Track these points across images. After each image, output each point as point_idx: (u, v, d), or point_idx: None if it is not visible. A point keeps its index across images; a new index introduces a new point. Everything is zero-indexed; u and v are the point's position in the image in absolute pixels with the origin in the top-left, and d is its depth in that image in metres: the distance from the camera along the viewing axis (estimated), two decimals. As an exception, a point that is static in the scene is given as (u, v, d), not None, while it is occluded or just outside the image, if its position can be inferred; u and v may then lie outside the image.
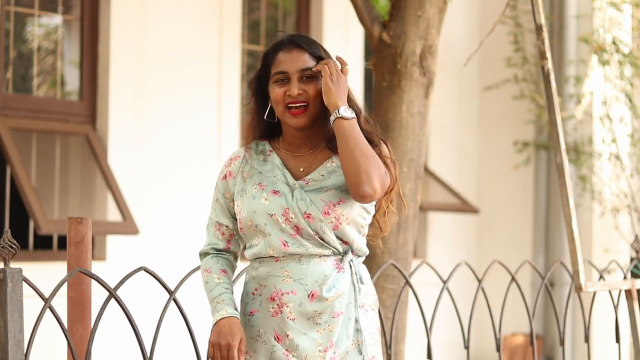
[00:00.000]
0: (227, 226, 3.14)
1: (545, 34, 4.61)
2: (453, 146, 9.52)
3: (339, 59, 3.14)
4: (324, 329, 3.01)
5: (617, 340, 5.00)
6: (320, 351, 3.00)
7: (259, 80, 3.16)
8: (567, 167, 4.62)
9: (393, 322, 3.94)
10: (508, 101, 9.46)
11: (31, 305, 3.20)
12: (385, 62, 4.58)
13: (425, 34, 4.56)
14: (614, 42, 8.71)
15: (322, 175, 3.08)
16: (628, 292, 4.90)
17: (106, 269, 6.40)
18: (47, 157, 6.74)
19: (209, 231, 3.17)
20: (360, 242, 3.10)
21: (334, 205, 3.02)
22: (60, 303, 3.17)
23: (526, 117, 9.36)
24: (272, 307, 3.02)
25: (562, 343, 4.69)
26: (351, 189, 2.99)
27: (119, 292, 3.07)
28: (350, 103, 3.13)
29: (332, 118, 3.05)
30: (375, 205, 3.15)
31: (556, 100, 4.60)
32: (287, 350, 3.00)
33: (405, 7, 4.55)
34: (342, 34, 8.20)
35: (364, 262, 4.48)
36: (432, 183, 9.07)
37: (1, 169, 6.99)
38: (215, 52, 7.17)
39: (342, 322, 3.03)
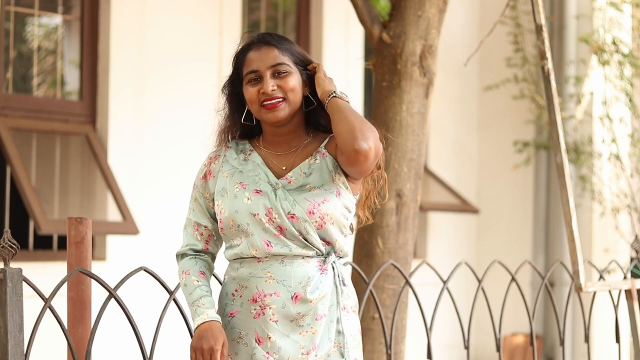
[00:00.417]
0: (205, 226, 3.09)
1: (545, 34, 4.61)
2: (453, 146, 9.52)
3: (312, 67, 3.11)
4: (307, 332, 2.97)
5: (617, 340, 5.00)
6: (302, 354, 2.96)
7: (233, 85, 3.11)
8: (567, 167, 4.62)
9: (393, 322, 3.94)
10: (508, 101, 9.46)
11: (31, 305, 3.20)
12: (385, 62, 4.58)
13: (425, 34, 4.56)
14: (614, 42, 8.71)
15: (304, 173, 3.02)
16: (628, 292, 4.90)
17: (106, 269, 6.40)
18: (47, 157, 6.74)
19: (186, 232, 3.12)
20: (342, 243, 3.04)
21: (319, 205, 2.97)
22: (60, 303, 3.17)
23: (526, 117, 9.36)
24: (254, 309, 2.96)
25: (562, 343, 4.69)
26: (345, 148, 2.91)
27: (119, 292, 3.07)
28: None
29: (327, 99, 3.01)
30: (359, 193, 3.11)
31: (556, 100, 4.60)
32: (268, 352, 2.95)
33: (405, 7, 4.55)
34: (342, 34, 8.20)
35: (364, 262, 4.51)
36: (432, 183, 9.07)
37: (1, 169, 6.99)
38: (215, 52, 7.17)
39: (324, 325, 2.99)
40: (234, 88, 3.11)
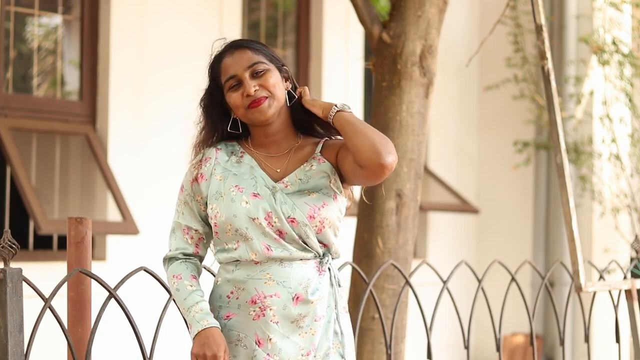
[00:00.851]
0: (196, 230, 3.04)
1: (545, 34, 4.61)
2: (453, 146, 9.52)
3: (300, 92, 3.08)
4: (306, 333, 2.96)
5: (617, 340, 5.00)
6: (302, 355, 2.95)
7: (212, 96, 3.06)
8: (567, 167, 4.63)
9: (393, 322, 3.94)
10: (508, 101, 9.46)
11: (31, 305, 3.20)
12: (385, 62, 4.58)
13: (425, 34, 4.56)
14: (614, 42, 8.71)
15: (300, 179, 3.00)
16: (628, 292, 4.90)
17: (106, 269, 6.40)
18: (47, 157, 6.74)
19: (175, 235, 3.06)
20: (337, 245, 3.04)
21: (319, 209, 2.96)
22: (60, 303, 3.17)
23: (526, 117, 9.36)
24: (253, 311, 2.93)
25: (562, 343, 4.69)
26: (368, 163, 2.88)
27: (119, 292, 3.07)
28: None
29: (331, 114, 2.99)
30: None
31: (556, 100, 4.60)
32: (268, 354, 2.93)
33: (405, 7, 4.55)
34: (342, 34, 8.20)
35: (364, 262, 4.51)
36: (432, 183, 9.07)
37: (1, 169, 6.99)
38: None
39: (323, 326, 2.99)
40: (214, 99, 3.06)
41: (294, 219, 2.95)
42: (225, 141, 3.09)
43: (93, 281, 3.11)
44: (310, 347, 2.96)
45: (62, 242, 6.64)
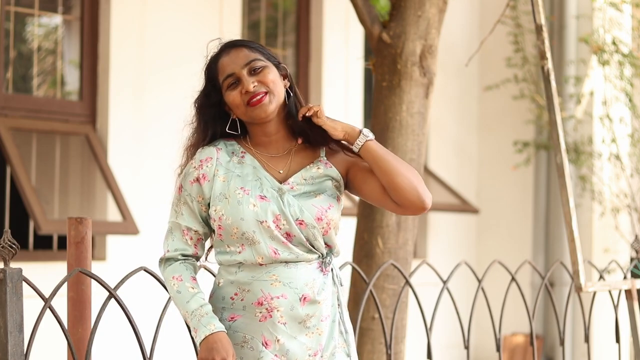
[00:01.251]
0: (196, 231, 2.99)
1: (545, 34, 4.61)
2: (453, 146, 9.52)
3: (303, 112, 3.01)
4: (313, 333, 2.95)
5: (617, 340, 5.00)
6: (310, 355, 2.94)
7: (209, 97, 3.02)
8: (567, 167, 4.62)
9: (393, 322, 3.94)
10: (508, 101, 9.46)
11: (31, 305, 3.20)
12: (385, 62, 4.57)
13: (425, 34, 4.56)
14: (613, 42, 8.71)
15: (305, 180, 2.99)
16: (628, 292, 4.90)
17: (106, 269, 6.40)
18: (47, 157, 6.74)
19: (173, 236, 3.01)
20: (338, 245, 3.04)
21: (326, 211, 2.95)
22: (60, 303, 3.17)
23: (526, 117, 9.36)
24: (260, 312, 2.91)
25: (562, 343, 4.69)
26: (407, 203, 2.96)
27: (119, 292, 3.07)
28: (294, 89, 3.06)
29: (358, 144, 2.96)
30: None
31: (556, 100, 4.60)
32: (276, 355, 2.91)
33: (405, 7, 4.55)
34: (342, 34, 8.20)
35: (364, 262, 4.51)
36: (432, 183, 9.07)
37: (1, 169, 6.99)
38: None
39: (329, 325, 2.98)
40: (209, 100, 3.03)
41: (302, 221, 2.93)
42: (224, 140, 3.05)
43: (93, 281, 3.10)
44: (317, 347, 2.96)
45: (62, 242, 6.64)
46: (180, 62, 6.98)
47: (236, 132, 3.04)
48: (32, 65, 7.02)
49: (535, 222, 9.47)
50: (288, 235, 2.93)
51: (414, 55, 4.54)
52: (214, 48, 3.07)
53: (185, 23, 7.05)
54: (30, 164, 6.56)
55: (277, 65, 3.03)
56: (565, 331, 5.66)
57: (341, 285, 3.05)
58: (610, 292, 4.96)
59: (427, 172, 8.93)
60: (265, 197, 2.93)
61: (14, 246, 2.71)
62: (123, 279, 3.08)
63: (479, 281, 4.26)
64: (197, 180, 3.00)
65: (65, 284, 3.00)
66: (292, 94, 3.05)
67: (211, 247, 3.08)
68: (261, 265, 2.93)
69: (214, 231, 3.00)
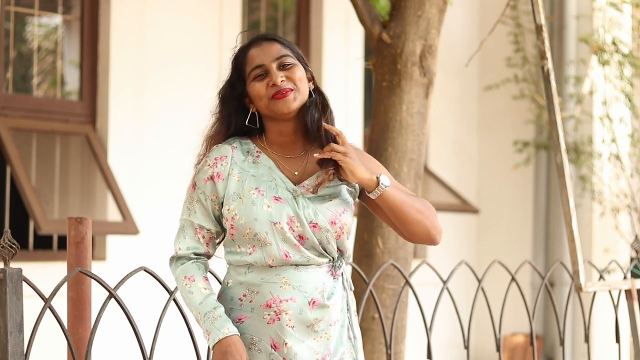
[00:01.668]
0: (208, 229, 2.97)
1: (545, 34, 4.61)
2: (453, 146, 9.52)
3: (328, 128, 2.96)
4: (321, 337, 2.92)
5: (617, 340, 5.00)
6: (317, 359, 2.92)
7: (233, 87, 3.00)
8: (567, 167, 4.63)
9: (393, 322, 3.94)
10: (508, 101, 9.46)
11: (31, 305, 3.20)
12: (385, 62, 4.58)
13: (425, 34, 4.56)
14: (613, 43, 8.72)
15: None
16: (628, 292, 4.90)
17: (106, 269, 6.40)
18: (47, 157, 6.74)
19: (185, 234, 2.98)
20: (350, 249, 3.04)
21: (340, 215, 2.93)
22: (60, 303, 3.17)
23: (526, 117, 9.36)
24: (268, 314, 2.89)
25: (562, 343, 4.69)
26: (420, 241, 3.00)
27: (119, 292, 3.07)
28: (321, 99, 3.02)
29: (375, 194, 2.93)
30: None
31: (556, 100, 4.60)
32: (284, 359, 2.89)
33: (405, 7, 4.55)
34: (342, 34, 8.20)
35: (364, 262, 4.51)
36: (432, 183, 9.07)
37: (1, 169, 6.99)
38: (215, 52, 7.17)
39: (338, 330, 2.96)
40: (234, 90, 3.01)
41: (316, 224, 2.91)
42: (239, 139, 3.02)
43: (93, 281, 3.10)
44: (326, 351, 2.93)
45: (62, 242, 6.64)
46: (180, 62, 6.98)
47: (255, 125, 3.00)
48: (32, 65, 7.02)
49: (535, 222, 9.47)
50: (301, 238, 2.90)
51: (414, 55, 4.54)
52: (241, 40, 3.06)
53: (185, 23, 7.05)
54: (30, 164, 6.56)
55: (305, 67, 3.01)
56: (565, 331, 5.66)
57: (351, 289, 3.03)
58: (610, 292, 4.96)
59: (427, 172, 8.93)
60: (279, 198, 2.91)
61: (14, 246, 2.71)
62: (123, 279, 3.07)
63: (479, 281, 4.26)
64: (212, 178, 2.96)
65: (65, 284, 3.00)
66: (314, 97, 3.01)
67: (219, 242, 3.05)
68: (271, 267, 2.90)
69: (225, 230, 2.97)
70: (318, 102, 3.01)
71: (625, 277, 5.02)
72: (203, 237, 2.98)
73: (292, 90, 2.93)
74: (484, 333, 8.19)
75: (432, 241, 3.01)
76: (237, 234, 2.92)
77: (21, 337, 2.70)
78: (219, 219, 2.98)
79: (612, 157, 8.86)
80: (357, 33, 8.19)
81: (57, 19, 7.00)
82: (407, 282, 3.98)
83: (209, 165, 2.97)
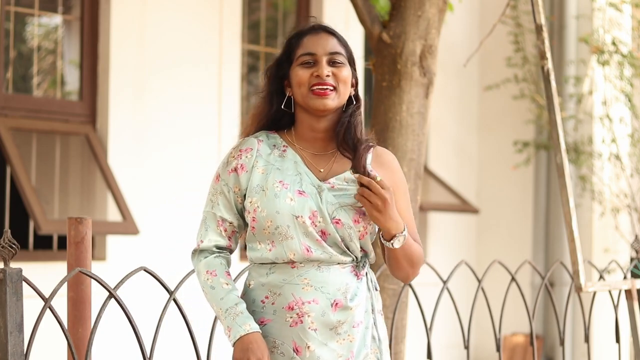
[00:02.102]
0: (231, 222, 2.91)
1: (545, 34, 4.61)
2: (453, 146, 9.52)
3: (365, 170, 2.88)
4: (344, 339, 2.87)
5: (617, 340, 5.00)
6: None
7: (279, 67, 2.95)
8: (567, 167, 4.63)
9: (393, 322, 3.94)
10: (508, 101, 9.46)
11: (31, 305, 3.20)
12: (385, 62, 4.57)
13: (425, 34, 4.56)
14: (613, 43, 8.72)
15: (347, 183, 2.90)
16: (628, 292, 4.90)
17: (106, 269, 6.40)
18: (47, 157, 6.75)
19: (207, 226, 2.93)
20: (373, 251, 2.97)
21: (364, 214, 2.87)
22: (60, 303, 3.17)
23: (526, 117, 9.36)
24: (291, 317, 2.84)
25: (562, 343, 4.69)
26: (395, 276, 2.99)
27: (119, 292, 3.07)
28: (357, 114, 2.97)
29: (395, 243, 2.88)
30: None
31: (556, 100, 4.60)
32: None
33: (405, 7, 4.55)
34: (342, 34, 8.19)
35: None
36: (432, 183, 9.07)
37: (1, 169, 6.99)
38: (215, 52, 7.17)
39: (361, 332, 2.90)
40: (280, 71, 2.95)
41: (339, 220, 2.86)
42: (266, 132, 2.97)
43: (93, 281, 3.10)
44: (349, 354, 2.87)
45: (62, 242, 6.64)
46: (180, 62, 6.99)
47: (290, 110, 2.95)
48: (32, 65, 7.02)
49: (535, 222, 9.47)
50: (323, 234, 2.85)
51: (414, 55, 4.54)
52: (302, 25, 3.02)
53: (185, 23, 7.05)
54: (30, 164, 6.56)
55: (353, 72, 2.98)
56: (565, 331, 5.66)
57: (376, 290, 2.98)
58: (610, 292, 4.96)
59: (427, 172, 8.93)
60: (304, 192, 2.86)
61: (14, 246, 2.71)
62: (123, 279, 3.07)
63: (479, 281, 4.26)
64: (235, 170, 2.91)
65: (65, 284, 3.00)
66: (353, 103, 2.97)
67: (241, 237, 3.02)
68: (293, 267, 2.85)
69: (247, 225, 2.92)
70: (357, 114, 2.97)
71: (625, 277, 5.02)
72: (225, 230, 2.93)
73: (333, 90, 2.89)
74: (484, 333, 8.19)
75: (405, 280, 3.01)
76: (257, 227, 2.86)
77: (21, 337, 2.70)
78: (241, 213, 2.93)
79: (612, 157, 8.86)
80: (357, 33, 8.19)
81: (57, 19, 7.00)
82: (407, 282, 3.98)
83: (233, 156, 2.93)
